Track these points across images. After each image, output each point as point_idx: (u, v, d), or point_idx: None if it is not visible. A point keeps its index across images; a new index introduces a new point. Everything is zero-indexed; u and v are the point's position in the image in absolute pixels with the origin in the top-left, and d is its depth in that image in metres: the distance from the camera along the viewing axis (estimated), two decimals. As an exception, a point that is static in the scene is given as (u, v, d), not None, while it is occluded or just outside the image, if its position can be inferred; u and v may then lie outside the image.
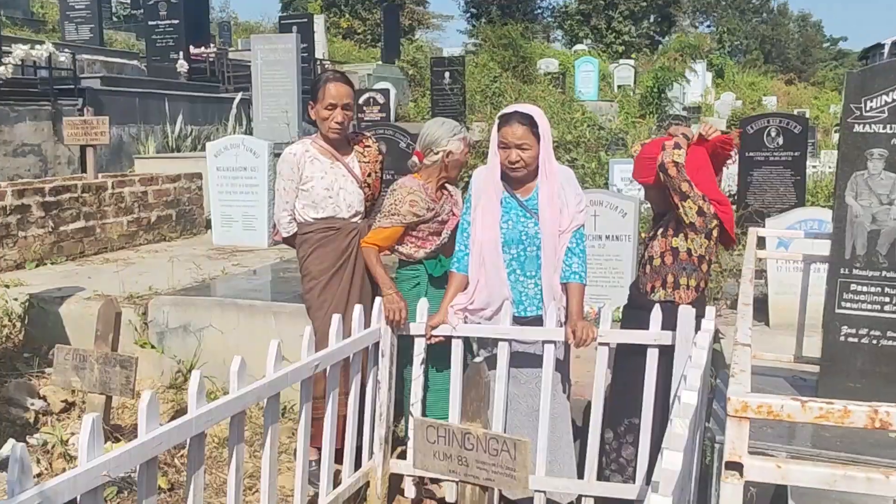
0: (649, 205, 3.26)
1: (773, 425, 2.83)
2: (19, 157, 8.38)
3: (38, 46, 10.71)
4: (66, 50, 11.54)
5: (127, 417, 3.94)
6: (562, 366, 3.30)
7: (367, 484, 3.38)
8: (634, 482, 3.08)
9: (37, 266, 5.86)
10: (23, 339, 4.90)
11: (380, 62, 20.57)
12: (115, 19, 21.72)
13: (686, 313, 2.86)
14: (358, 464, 3.33)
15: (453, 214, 3.47)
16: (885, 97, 2.63)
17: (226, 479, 2.62)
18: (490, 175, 3.23)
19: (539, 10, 39.04)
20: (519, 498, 3.16)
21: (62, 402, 4.17)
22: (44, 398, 4.20)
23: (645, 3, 36.35)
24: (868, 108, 2.67)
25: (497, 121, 3.21)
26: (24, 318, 4.94)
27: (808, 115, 10.56)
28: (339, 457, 3.26)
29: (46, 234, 6.03)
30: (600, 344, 3.09)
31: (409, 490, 3.41)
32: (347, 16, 34.25)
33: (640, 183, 3.31)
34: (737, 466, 1.29)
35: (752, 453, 1.32)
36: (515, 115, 3.14)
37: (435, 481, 3.45)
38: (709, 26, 44.49)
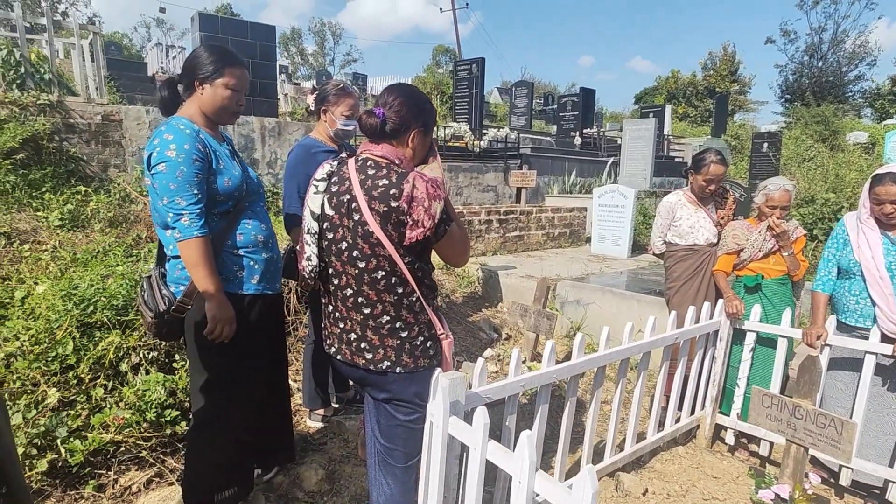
0: None
1: None
2: (485, 192, 9.48)
3: (500, 130, 12.01)
4: (512, 132, 12.73)
5: (540, 349, 4.22)
6: None
7: (697, 427, 3.15)
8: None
9: (492, 255, 6.54)
10: (482, 294, 5.53)
11: (708, 136, 18.55)
12: (534, 112, 23.25)
13: None
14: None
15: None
16: None
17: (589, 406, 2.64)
18: (864, 220, 2.61)
19: (850, 94, 31.21)
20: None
21: (506, 333, 4.60)
22: (496, 330, 4.67)
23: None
24: None
25: (870, 179, 2.55)
26: (485, 282, 5.57)
27: None
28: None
29: (499, 237, 6.71)
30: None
31: (729, 438, 3.08)
32: (683, 104, 31.93)
33: None
34: None
35: None
36: (888, 176, 2.46)
37: (750, 438, 3.08)
38: None
